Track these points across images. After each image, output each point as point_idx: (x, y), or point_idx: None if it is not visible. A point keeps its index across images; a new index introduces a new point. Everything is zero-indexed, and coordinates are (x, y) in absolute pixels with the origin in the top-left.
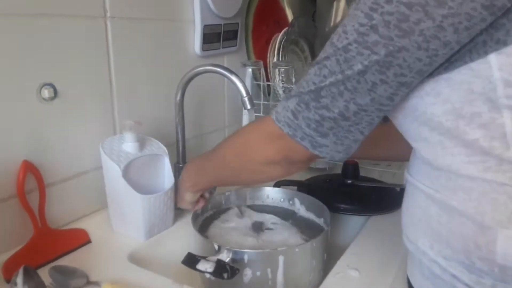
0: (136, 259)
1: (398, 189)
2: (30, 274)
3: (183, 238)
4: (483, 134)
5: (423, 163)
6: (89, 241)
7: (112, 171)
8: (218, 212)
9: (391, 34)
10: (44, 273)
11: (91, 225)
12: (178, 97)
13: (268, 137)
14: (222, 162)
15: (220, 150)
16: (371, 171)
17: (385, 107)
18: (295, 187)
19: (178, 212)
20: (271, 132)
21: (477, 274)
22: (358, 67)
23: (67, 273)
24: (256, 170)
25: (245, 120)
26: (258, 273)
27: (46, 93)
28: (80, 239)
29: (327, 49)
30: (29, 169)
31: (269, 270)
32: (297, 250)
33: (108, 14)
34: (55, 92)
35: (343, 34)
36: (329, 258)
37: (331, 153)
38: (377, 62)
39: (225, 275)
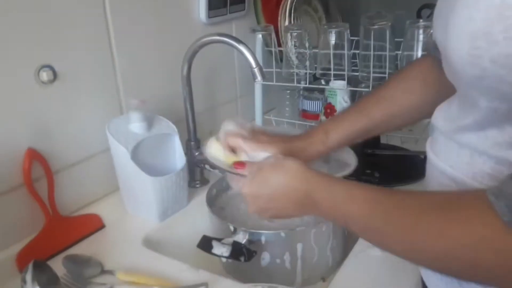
0: (151, 243)
1: (422, 156)
2: (42, 268)
3: (198, 218)
4: None
5: (474, 149)
6: (103, 226)
7: (120, 154)
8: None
9: None
10: (58, 263)
11: (103, 209)
12: (185, 71)
13: None
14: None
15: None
16: (392, 137)
17: None
18: None
19: (192, 191)
20: None
21: None
22: None
23: (81, 262)
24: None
25: (258, 89)
26: (277, 260)
27: (44, 75)
28: (93, 225)
29: None
30: (34, 157)
31: (287, 252)
32: (315, 229)
33: None
34: (54, 74)
35: None
36: (350, 236)
37: None
38: None
39: (242, 258)
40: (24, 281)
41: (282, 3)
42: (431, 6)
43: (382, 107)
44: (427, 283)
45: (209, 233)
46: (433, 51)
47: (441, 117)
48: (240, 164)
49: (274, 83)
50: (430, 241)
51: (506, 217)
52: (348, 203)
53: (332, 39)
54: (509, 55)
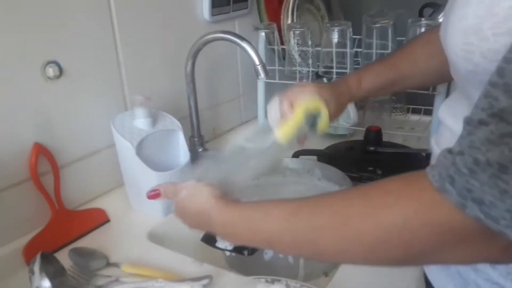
0: (155, 237)
1: (424, 154)
2: (49, 259)
3: None
4: None
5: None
6: (108, 220)
7: (125, 149)
8: None
9: None
10: (64, 255)
11: (108, 204)
12: (189, 68)
13: (442, 233)
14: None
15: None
16: (394, 135)
17: None
18: (315, 157)
19: None
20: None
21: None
22: None
23: (86, 255)
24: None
25: (260, 87)
26: (280, 254)
27: (50, 71)
28: (98, 219)
29: None
30: (41, 151)
31: None
32: None
33: None
34: (60, 70)
35: None
36: None
37: None
38: None
39: (245, 252)
40: (32, 272)
41: (285, 1)
42: (433, 5)
43: (409, 63)
44: (429, 277)
45: None
46: None
47: (448, 113)
48: (154, 194)
49: (277, 81)
50: (360, 230)
51: (436, 183)
52: (267, 223)
53: (335, 38)
54: (498, 51)
